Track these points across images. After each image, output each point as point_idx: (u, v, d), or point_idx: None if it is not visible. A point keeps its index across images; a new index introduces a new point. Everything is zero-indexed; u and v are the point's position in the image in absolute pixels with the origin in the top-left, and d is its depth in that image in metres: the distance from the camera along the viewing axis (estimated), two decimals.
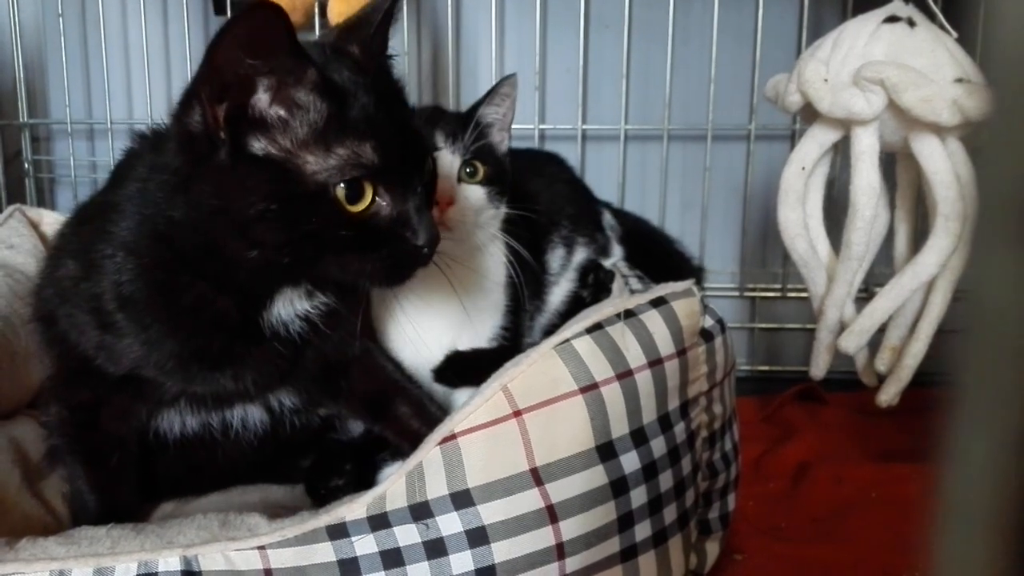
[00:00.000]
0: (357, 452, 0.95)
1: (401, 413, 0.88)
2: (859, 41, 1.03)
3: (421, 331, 0.96)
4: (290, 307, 0.78)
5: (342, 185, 0.69)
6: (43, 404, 0.91)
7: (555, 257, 1.12)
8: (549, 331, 0.98)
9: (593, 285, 1.11)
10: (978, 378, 0.27)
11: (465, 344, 0.98)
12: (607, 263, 1.16)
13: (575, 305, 1.07)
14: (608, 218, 1.24)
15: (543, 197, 1.11)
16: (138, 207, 0.76)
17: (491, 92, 0.99)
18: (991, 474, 0.27)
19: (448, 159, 0.94)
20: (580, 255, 1.15)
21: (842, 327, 1.10)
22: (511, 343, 1.01)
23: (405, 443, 0.84)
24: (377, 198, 0.71)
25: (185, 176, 0.70)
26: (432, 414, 0.86)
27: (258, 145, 0.68)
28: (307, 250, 0.70)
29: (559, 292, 1.13)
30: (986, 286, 0.26)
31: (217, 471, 0.92)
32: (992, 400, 0.27)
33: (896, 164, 1.12)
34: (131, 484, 0.86)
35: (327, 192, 0.68)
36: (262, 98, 0.68)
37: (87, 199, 0.92)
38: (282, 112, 0.68)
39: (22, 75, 1.63)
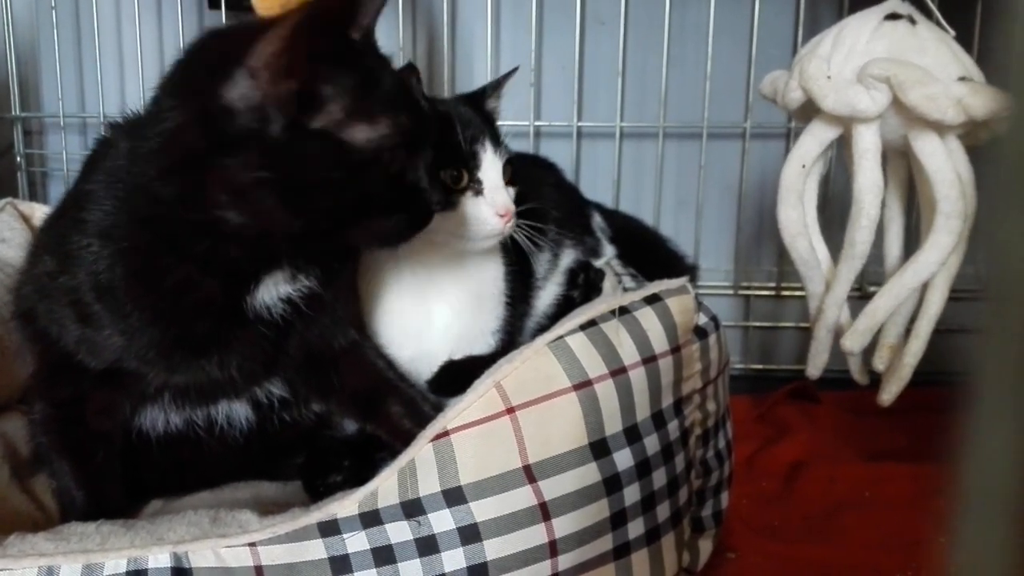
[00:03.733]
0: (354, 448, 0.94)
1: (393, 412, 0.87)
2: (861, 38, 1.03)
3: (427, 318, 0.94)
4: (273, 290, 0.78)
5: (388, 152, 0.71)
6: (28, 402, 0.90)
7: (541, 260, 1.12)
8: (537, 335, 0.97)
9: (584, 285, 1.10)
10: (998, 366, 0.27)
11: (474, 334, 0.96)
12: (599, 263, 1.15)
13: (564, 308, 1.07)
14: (598, 219, 1.24)
15: (529, 200, 1.10)
16: (114, 192, 0.75)
17: (498, 85, 0.97)
18: (1011, 463, 0.26)
19: (499, 166, 0.89)
20: (567, 258, 1.14)
21: (837, 327, 1.10)
22: (509, 340, 1.00)
23: (397, 443, 0.83)
24: (409, 163, 0.74)
25: (202, 151, 0.69)
26: (425, 414, 0.85)
27: (315, 121, 0.68)
28: (351, 214, 0.73)
29: (546, 296, 1.12)
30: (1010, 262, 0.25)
31: (204, 469, 0.91)
32: (1012, 388, 0.26)
33: (887, 162, 1.12)
34: (118, 480, 0.86)
35: (379, 160, 0.71)
36: (321, 77, 0.68)
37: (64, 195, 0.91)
38: (332, 90, 0.69)
39: (15, 68, 1.62)
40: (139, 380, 0.81)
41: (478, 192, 0.86)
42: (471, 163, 0.86)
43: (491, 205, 0.85)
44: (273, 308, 0.78)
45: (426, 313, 0.93)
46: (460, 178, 0.85)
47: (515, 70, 1.01)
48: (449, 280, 0.93)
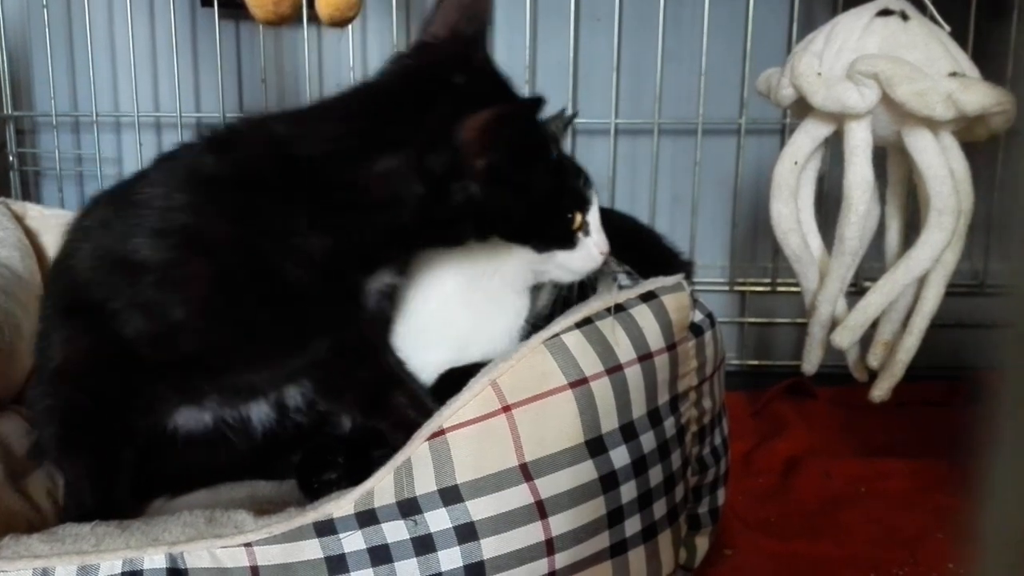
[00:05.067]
0: (350, 446, 0.94)
1: (399, 403, 0.88)
2: (852, 35, 1.03)
3: (477, 325, 0.94)
4: (378, 281, 0.84)
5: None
6: (45, 385, 0.87)
7: None
8: (529, 335, 0.97)
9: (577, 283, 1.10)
10: (1018, 398, 0.26)
11: (510, 340, 0.96)
12: None
13: (560, 307, 1.07)
14: None
15: None
16: (269, 193, 0.79)
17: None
18: None
19: (598, 208, 0.95)
20: None
21: (834, 322, 1.10)
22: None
23: (400, 433, 0.83)
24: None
25: (416, 193, 0.78)
26: (429, 406, 0.85)
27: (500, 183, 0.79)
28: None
29: (543, 295, 1.12)
30: None
31: (219, 467, 0.91)
32: None
33: (887, 158, 1.12)
34: (130, 480, 0.85)
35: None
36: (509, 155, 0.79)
37: (122, 185, 0.88)
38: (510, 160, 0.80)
39: (6, 67, 1.61)
40: (214, 375, 0.82)
41: (587, 232, 0.91)
42: (585, 207, 0.92)
43: (596, 245, 0.91)
44: (373, 293, 0.84)
45: (479, 321, 0.94)
46: (574, 219, 0.91)
47: (575, 115, 1.06)
48: (508, 292, 0.95)
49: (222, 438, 0.88)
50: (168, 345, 0.79)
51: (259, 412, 0.88)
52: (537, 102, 0.78)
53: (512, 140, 0.78)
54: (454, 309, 0.93)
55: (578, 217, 0.91)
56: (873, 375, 1.12)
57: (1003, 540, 0.29)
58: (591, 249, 0.91)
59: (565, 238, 0.90)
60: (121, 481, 0.84)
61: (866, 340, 1.10)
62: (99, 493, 0.83)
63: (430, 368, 0.93)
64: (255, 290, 0.79)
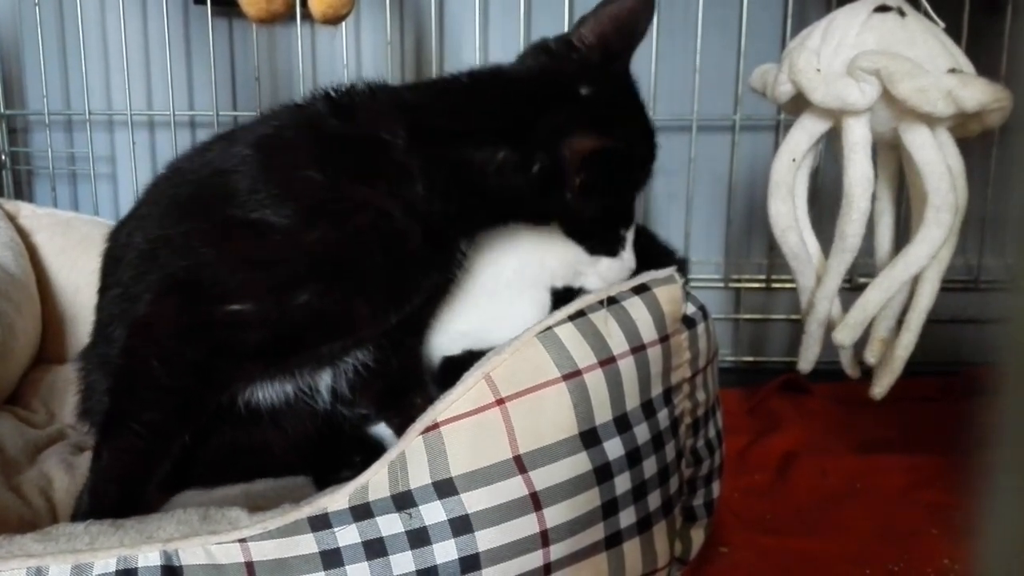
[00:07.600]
0: (363, 442, 0.94)
1: (414, 404, 0.88)
2: (851, 31, 1.03)
3: (495, 316, 0.95)
4: (466, 242, 0.87)
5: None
6: (114, 346, 0.83)
7: None
8: None
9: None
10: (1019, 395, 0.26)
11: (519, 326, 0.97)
12: None
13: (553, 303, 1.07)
14: None
15: None
16: (423, 155, 0.81)
17: None
18: None
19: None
20: None
21: (829, 320, 1.10)
22: None
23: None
24: None
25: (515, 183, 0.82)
26: None
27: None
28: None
29: None
30: None
31: (260, 457, 0.92)
32: None
33: (877, 154, 1.12)
34: (166, 473, 0.82)
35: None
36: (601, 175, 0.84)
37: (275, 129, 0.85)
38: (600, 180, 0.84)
39: None
40: (305, 348, 0.83)
41: (623, 246, 0.95)
42: (630, 224, 0.96)
43: (627, 260, 0.95)
44: (459, 255, 0.88)
45: (498, 312, 0.95)
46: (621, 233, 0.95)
47: None
48: (538, 286, 0.96)
49: (292, 411, 0.87)
50: (277, 311, 0.77)
51: (325, 381, 0.88)
52: (630, 148, 0.83)
53: (605, 167, 0.82)
54: (493, 293, 0.95)
55: (623, 232, 0.95)
56: (866, 372, 1.12)
57: (1004, 535, 0.29)
58: (625, 262, 0.95)
59: (612, 247, 0.93)
60: (159, 473, 0.80)
61: (860, 338, 1.10)
62: (130, 485, 0.79)
63: (456, 347, 0.95)
64: (373, 252, 0.80)
